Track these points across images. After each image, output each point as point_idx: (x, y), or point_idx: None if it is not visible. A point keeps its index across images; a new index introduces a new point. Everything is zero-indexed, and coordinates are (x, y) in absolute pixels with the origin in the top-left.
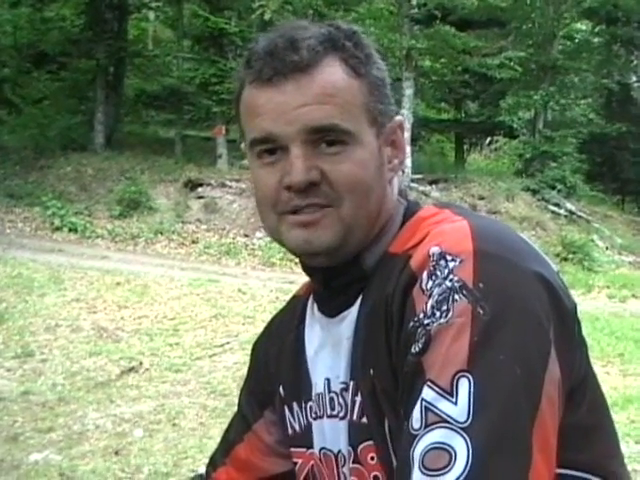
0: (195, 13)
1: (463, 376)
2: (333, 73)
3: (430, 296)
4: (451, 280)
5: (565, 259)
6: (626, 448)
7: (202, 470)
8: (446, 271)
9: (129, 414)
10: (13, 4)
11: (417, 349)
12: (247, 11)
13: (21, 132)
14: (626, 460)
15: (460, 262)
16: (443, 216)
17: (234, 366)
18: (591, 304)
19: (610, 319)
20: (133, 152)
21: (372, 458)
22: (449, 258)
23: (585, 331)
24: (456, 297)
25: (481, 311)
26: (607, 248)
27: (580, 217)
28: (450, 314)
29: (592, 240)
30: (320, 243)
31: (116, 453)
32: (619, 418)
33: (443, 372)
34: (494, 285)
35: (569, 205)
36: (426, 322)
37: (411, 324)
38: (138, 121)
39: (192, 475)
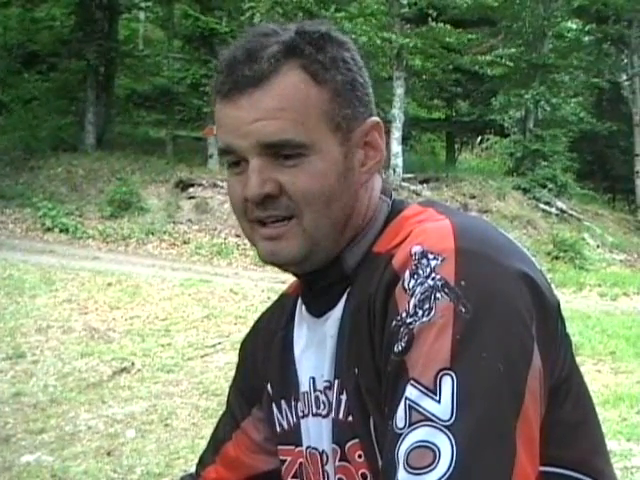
0: (185, 13)
1: (446, 374)
2: (289, 84)
3: (412, 295)
4: (433, 279)
5: (556, 257)
6: (617, 446)
7: (193, 470)
8: (428, 270)
9: (121, 415)
10: (3, 4)
11: (400, 348)
12: (237, 11)
13: (11, 133)
14: (617, 457)
15: (442, 260)
16: (426, 215)
17: (226, 366)
18: (582, 302)
19: (601, 317)
20: (124, 152)
21: (359, 456)
22: (431, 257)
23: (576, 329)
24: (438, 295)
25: (463, 309)
26: (598, 246)
27: (571, 215)
28: (432, 313)
29: (583, 238)
30: (285, 255)
31: (108, 454)
32: (610, 416)
33: (426, 370)
34: (476, 283)
35: (560, 204)
36: (409, 321)
37: (394, 323)
38: (129, 121)
39: (182, 475)
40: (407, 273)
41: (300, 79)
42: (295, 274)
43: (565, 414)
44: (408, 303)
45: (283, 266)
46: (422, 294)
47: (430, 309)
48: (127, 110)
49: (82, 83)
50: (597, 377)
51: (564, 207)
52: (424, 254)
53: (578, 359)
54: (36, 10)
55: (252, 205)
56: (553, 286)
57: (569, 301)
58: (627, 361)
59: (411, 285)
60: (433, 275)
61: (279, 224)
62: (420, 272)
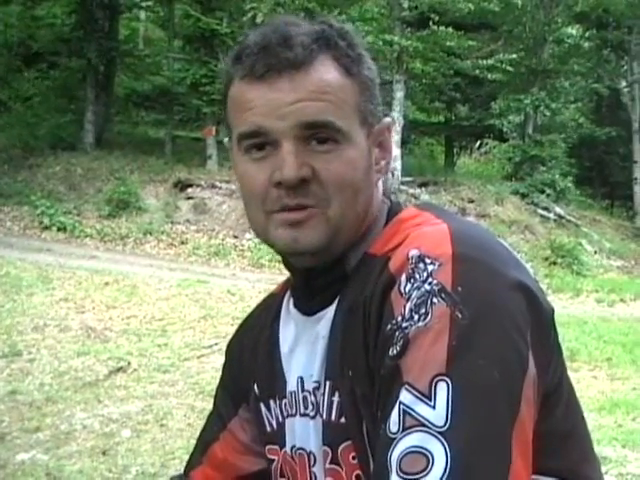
0: (186, 13)
1: (442, 380)
2: (327, 71)
3: (409, 299)
4: (430, 283)
5: (554, 263)
6: (613, 452)
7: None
8: (425, 274)
9: (117, 414)
10: (4, 2)
11: (395, 352)
12: (238, 12)
13: (10, 131)
14: (613, 464)
15: (439, 265)
16: (423, 218)
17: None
18: (579, 308)
19: (598, 323)
20: (123, 152)
21: (354, 458)
22: (428, 261)
23: (573, 335)
24: (434, 300)
25: (460, 315)
26: (596, 252)
27: (569, 221)
28: (428, 317)
29: (581, 244)
30: (307, 242)
31: (103, 453)
32: (606, 422)
33: (421, 376)
34: (473, 289)
35: (558, 209)
36: (404, 325)
37: (389, 327)
38: (128, 121)
39: (171, 475)
40: (404, 277)
41: (335, 69)
42: (295, 269)
43: (556, 423)
44: (404, 307)
45: (300, 256)
46: (418, 298)
47: (426, 314)
48: (126, 110)
49: (82, 82)
50: (593, 383)
51: (562, 212)
52: (421, 258)
53: (574, 365)
54: (37, 8)
55: (283, 191)
56: (550, 291)
57: (566, 307)
58: (623, 367)
59: (407, 289)
60: (430, 280)
61: (303, 211)
62: (417, 276)
